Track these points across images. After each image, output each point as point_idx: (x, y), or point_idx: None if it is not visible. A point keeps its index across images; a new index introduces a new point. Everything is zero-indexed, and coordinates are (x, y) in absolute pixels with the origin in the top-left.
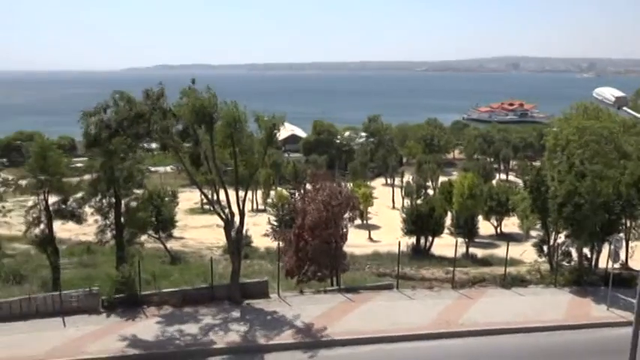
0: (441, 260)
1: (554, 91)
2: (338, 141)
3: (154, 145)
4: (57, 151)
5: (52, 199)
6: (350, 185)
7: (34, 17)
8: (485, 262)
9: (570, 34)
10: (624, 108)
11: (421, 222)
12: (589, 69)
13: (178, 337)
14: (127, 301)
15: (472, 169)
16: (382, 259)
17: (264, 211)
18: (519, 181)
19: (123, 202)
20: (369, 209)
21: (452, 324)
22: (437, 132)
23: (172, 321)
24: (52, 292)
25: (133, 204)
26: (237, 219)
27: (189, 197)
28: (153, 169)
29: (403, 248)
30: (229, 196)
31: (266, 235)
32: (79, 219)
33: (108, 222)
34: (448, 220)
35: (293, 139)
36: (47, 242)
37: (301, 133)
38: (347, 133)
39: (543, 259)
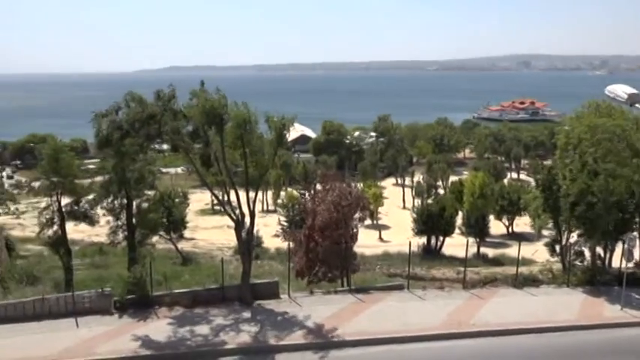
0: (452, 260)
1: (566, 89)
2: (348, 141)
3: (165, 147)
4: (69, 154)
5: (65, 200)
6: (360, 185)
7: (43, 20)
8: (497, 261)
9: (582, 31)
10: (637, 105)
11: (432, 222)
12: (601, 66)
13: (190, 337)
14: (138, 302)
15: (483, 168)
16: (393, 260)
17: (274, 211)
18: (531, 180)
19: (134, 203)
20: (380, 209)
21: (463, 324)
22: (447, 131)
23: (183, 322)
24: (64, 292)
25: (145, 205)
26: (247, 220)
27: (199, 198)
28: (164, 170)
29: (414, 248)
30: (240, 196)
31: (276, 235)
32: (91, 220)
33: (120, 223)
34: (459, 220)
35: (303, 139)
36: (60, 243)
37: (311, 134)
38: (357, 133)
39: (555, 258)
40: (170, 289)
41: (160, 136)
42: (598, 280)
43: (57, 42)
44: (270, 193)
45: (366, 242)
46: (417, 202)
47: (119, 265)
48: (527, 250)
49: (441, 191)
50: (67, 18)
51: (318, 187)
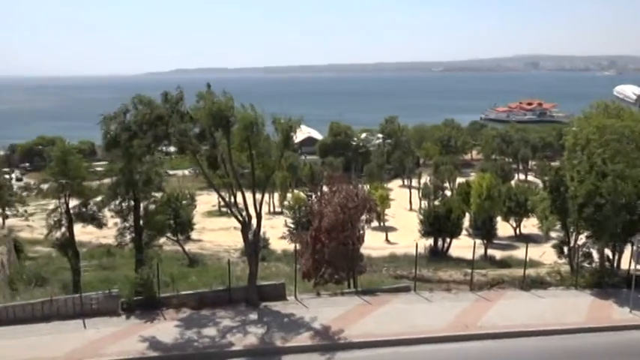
0: (459, 262)
1: (574, 90)
2: (354, 143)
3: (172, 149)
4: (77, 156)
5: (73, 202)
6: (366, 187)
7: (49, 22)
8: (504, 263)
9: (590, 31)
10: None
11: (439, 223)
12: (610, 67)
13: (197, 339)
14: (145, 304)
15: (490, 169)
16: (399, 261)
17: (281, 213)
18: (538, 182)
19: (142, 205)
20: (386, 211)
21: (470, 326)
22: (454, 133)
23: (190, 323)
24: (72, 294)
25: (152, 207)
26: (254, 221)
27: (206, 200)
28: (171, 172)
29: (420, 250)
30: (246, 198)
31: (283, 237)
32: (99, 223)
33: (127, 225)
34: (466, 222)
35: (309, 141)
36: (68, 245)
37: (317, 136)
38: (363, 135)
39: (563, 260)
40: (177, 291)
41: (168, 138)
42: (606, 282)
43: (62, 44)
44: (276, 195)
45: (373, 244)
46: (424, 203)
47: (126, 266)
48: (535, 252)
49: (448, 193)
50: (72, 20)
51: (325, 188)
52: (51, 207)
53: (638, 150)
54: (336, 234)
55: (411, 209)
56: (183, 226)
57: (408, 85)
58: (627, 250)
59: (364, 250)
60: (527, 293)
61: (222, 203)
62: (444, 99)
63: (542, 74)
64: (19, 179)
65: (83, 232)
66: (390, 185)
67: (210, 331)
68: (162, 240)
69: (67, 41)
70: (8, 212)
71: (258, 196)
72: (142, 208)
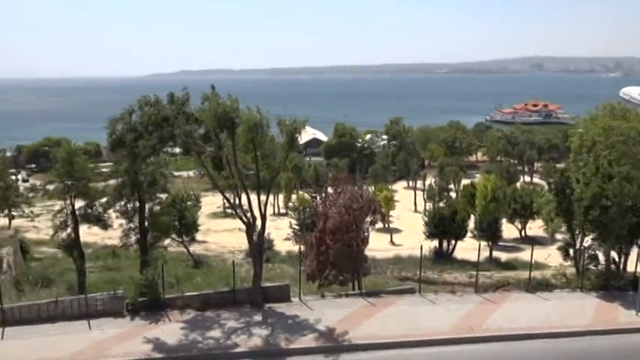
0: (464, 264)
1: (580, 92)
2: (359, 144)
3: (176, 150)
4: (83, 157)
5: (79, 203)
6: (371, 189)
7: (54, 24)
8: (510, 265)
9: (596, 32)
10: None
11: (443, 225)
12: (615, 68)
13: (201, 340)
14: (150, 305)
15: (495, 171)
16: (404, 263)
17: (285, 214)
18: (544, 184)
19: (147, 206)
20: (391, 213)
21: (475, 329)
22: (459, 134)
23: (195, 324)
24: (78, 295)
25: (157, 208)
26: (258, 223)
27: (211, 201)
28: (176, 173)
29: (425, 252)
30: (251, 200)
31: (287, 238)
32: (104, 224)
33: (132, 226)
34: (471, 224)
35: (314, 142)
36: (73, 246)
37: (322, 137)
38: (368, 137)
39: (569, 262)
40: (182, 292)
41: (173, 139)
42: (612, 285)
43: (64, 46)
44: (281, 196)
45: (378, 246)
46: (429, 205)
47: (131, 267)
48: (541, 254)
49: (453, 194)
50: (74, 21)
51: (330, 190)
52: (57, 208)
53: None
54: (341, 235)
55: (415, 211)
56: (188, 228)
57: (412, 86)
58: (633, 253)
59: (369, 251)
60: (533, 295)
61: (226, 204)
62: (448, 101)
63: (547, 76)
64: (25, 180)
65: (89, 233)
66: (394, 187)
67: (214, 332)
68: (167, 241)
69: (69, 42)
70: (14, 213)
71: (263, 197)
72: (147, 210)
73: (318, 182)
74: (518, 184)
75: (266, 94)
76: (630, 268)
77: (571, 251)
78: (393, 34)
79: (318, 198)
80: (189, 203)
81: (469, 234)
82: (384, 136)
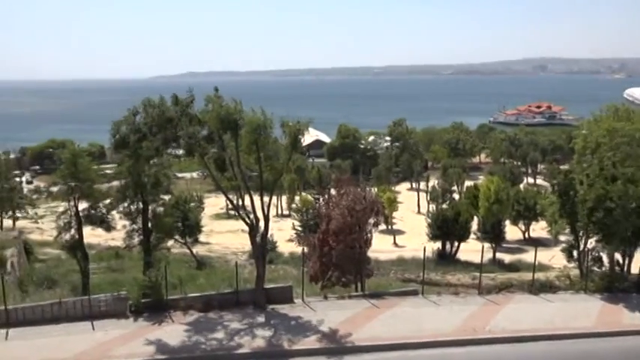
0: (467, 266)
1: (584, 93)
2: (362, 146)
3: (180, 152)
4: (87, 159)
5: (82, 205)
6: (374, 190)
7: (59, 26)
8: (513, 267)
9: (600, 34)
10: None
11: (447, 227)
12: (620, 69)
13: (204, 341)
14: (153, 306)
15: (498, 173)
16: (407, 265)
17: (288, 216)
18: (547, 185)
19: (150, 207)
20: (394, 214)
21: (478, 330)
22: (462, 136)
23: (198, 325)
24: (81, 296)
25: (160, 209)
26: (261, 224)
27: (214, 203)
28: (179, 174)
29: (428, 253)
30: (254, 201)
31: (290, 240)
32: (108, 226)
33: (135, 227)
34: (474, 225)
35: (317, 144)
36: (77, 247)
37: (325, 139)
38: (371, 138)
39: (573, 264)
40: (185, 293)
41: (176, 141)
42: (616, 287)
43: (71, 48)
44: (284, 198)
45: (381, 247)
46: (432, 206)
47: (135, 269)
48: (544, 256)
49: (456, 196)
50: (80, 23)
51: (333, 191)
52: (60, 209)
53: None
54: (344, 237)
55: (419, 212)
56: (191, 229)
57: (416, 88)
58: (638, 255)
59: (372, 253)
60: (536, 297)
61: (230, 206)
62: (452, 102)
63: (551, 77)
64: (29, 182)
65: (92, 235)
66: (397, 188)
67: (217, 333)
68: (170, 242)
69: (73, 44)
70: (19, 214)
71: (266, 198)
72: (150, 211)
73: (321, 184)
74: (521, 186)
75: (269, 96)
76: (634, 270)
77: (575, 253)
78: (397, 36)
79: (321, 199)
80: (192, 204)
81: (472, 235)
82: (387, 138)
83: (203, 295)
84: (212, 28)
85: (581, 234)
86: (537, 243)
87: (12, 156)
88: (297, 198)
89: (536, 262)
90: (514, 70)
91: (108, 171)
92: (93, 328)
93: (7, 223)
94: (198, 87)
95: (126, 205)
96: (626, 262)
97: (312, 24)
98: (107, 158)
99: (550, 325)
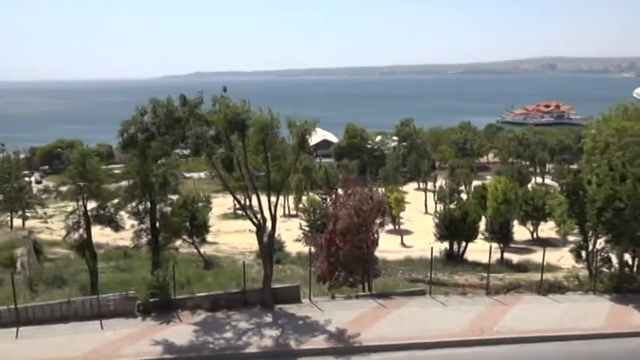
0: (475, 266)
1: (593, 92)
2: (369, 146)
3: (187, 152)
4: (95, 159)
5: (91, 205)
6: (381, 190)
7: (65, 27)
8: (521, 267)
9: (609, 33)
10: None
11: (454, 227)
12: (629, 68)
13: (212, 341)
14: (161, 305)
15: (506, 173)
16: (414, 265)
17: (295, 216)
18: (556, 185)
19: (158, 207)
20: (402, 214)
21: (486, 331)
22: (470, 135)
23: (206, 325)
24: (90, 295)
25: (168, 209)
26: (269, 224)
27: (222, 202)
28: (187, 174)
29: (436, 254)
30: (261, 201)
31: (298, 240)
32: (116, 225)
33: (144, 227)
34: (482, 225)
35: (324, 144)
36: (85, 247)
37: (332, 138)
38: (378, 138)
39: (582, 265)
40: (193, 293)
41: (184, 141)
42: (626, 288)
43: (78, 48)
44: (291, 198)
45: (388, 247)
46: (440, 207)
47: (143, 268)
48: (553, 256)
49: (464, 196)
50: (88, 24)
51: (340, 191)
52: (69, 209)
53: None
54: (351, 237)
55: (426, 212)
56: (198, 229)
57: (422, 87)
58: None
59: (379, 253)
60: (545, 298)
61: (237, 206)
62: (459, 102)
63: (559, 76)
64: (38, 182)
65: (101, 234)
66: (405, 188)
67: (225, 333)
68: (178, 242)
69: (75, 44)
70: (28, 214)
71: (274, 198)
72: (158, 211)
73: (328, 184)
74: (530, 186)
75: (276, 96)
76: None
77: (583, 253)
78: (403, 36)
79: (328, 199)
80: (200, 204)
81: (480, 236)
82: (395, 138)
83: (211, 295)
84: (219, 29)
85: (590, 234)
86: (546, 243)
87: (22, 156)
88: (304, 198)
89: (545, 263)
90: (522, 69)
91: (116, 171)
92: (101, 327)
93: (17, 222)
94: (205, 87)
95: (134, 204)
96: (636, 262)
97: (318, 24)
98: (115, 158)
99: (559, 326)
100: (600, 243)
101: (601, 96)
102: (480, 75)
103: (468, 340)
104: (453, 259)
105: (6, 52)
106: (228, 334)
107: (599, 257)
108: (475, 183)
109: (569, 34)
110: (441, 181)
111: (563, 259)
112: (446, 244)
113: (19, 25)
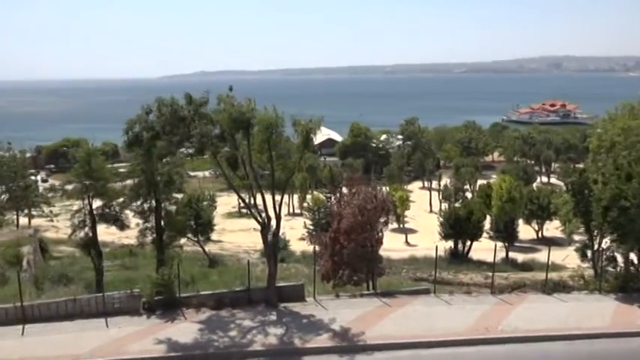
0: (480, 265)
1: (599, 91)
2: (374, 144)
3: (192, 151)
4: (101, 157)
5: (96, 203)
6: (386, 189)
7: (70, 27)
8: (526, 266)
9: (615, 31)
10: None
11: (459, 226)
12: (635, 67)
13: (216, 339)
14: (166, 303)
15: (511, 171)
16: (419, 264)
17: (300, 214)
18: (561, 184)
19: (163, 205)
20: (406, 213)
21: (490, 330)
22: (475, 134)
23: (210, 323)
24: (95, 293)
25: (173, 208)
26: (273, 223)
27: (226, 201)
28: (192, 173)
29: (441, 252)
30: (266, 199)
31: (302, 238)
32: (122, 224)
33: (148, 225)
34: (487, 224)
35: (329, 142)
36: (91, 245)
37: (337, 137)
38: (383, 137)
39: (587, 264)
40: (197, 291)
41: (189, 139)
42: (631, 287)
43: (83, 48)
44: (296, 197)
45: (393, 246)
46: (444, 205)
47: (148, 266)
48: (558, 256)
49: (469, 195)
50: (93, 24)
51: (344, 190)
52: (75, 208)
53: None
54: (355, 235)
55: (431, 211)
56: (203, 227)
57: (427, 86)
58: None
59: (384, 252)
60: (550, 297)
61: (242, 204)
62: (464, 100)
63: (565, 75)
64: (44, 180)
65: (106, 233)
66: (410, 187)
67: (229, 331)
68: (183, 240)
69: (77, 44)
70: (34, 213)
71: (278, 197)
72: (163, 209)
73: (332, 182)
74: (535, 185)
75: (280, 95)
76: None
77: (589, 252)
78: (408, 34)
79: (332, 198)
80: (204, 203)
81: (485, 234)
82: (400, 137)
83: (215, 293)
84: (220, 29)
85: (595, 233)
86: (551, 242)
87: (28, 154)
88: (308, 197)
89: (550, 262)
90: (528, 68)
91: (121, 170)
92: (107, 325)
93: (23, 221)
94: (210, 85)
95: (139, 203)
96: None
97: (318, 24)
98: (120, 157)
99: (563, 325)
100: (606, 242)
101: (607, 95)
102: (485, 74)
103: (473, 339)
104: (458, 258)
105: (6, 51)
106: (233, 332)
107: (604, 256)
108: (480, 182)
109: (575, 33)
110: (445, 180)
111: (568, 258)
112: (450, 243)
113: (19, 25)
